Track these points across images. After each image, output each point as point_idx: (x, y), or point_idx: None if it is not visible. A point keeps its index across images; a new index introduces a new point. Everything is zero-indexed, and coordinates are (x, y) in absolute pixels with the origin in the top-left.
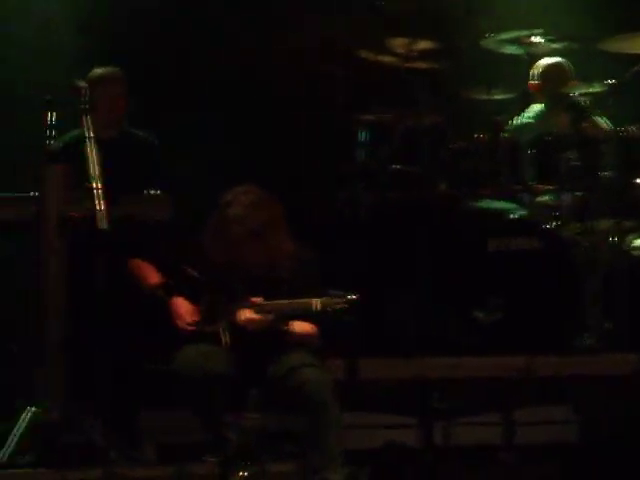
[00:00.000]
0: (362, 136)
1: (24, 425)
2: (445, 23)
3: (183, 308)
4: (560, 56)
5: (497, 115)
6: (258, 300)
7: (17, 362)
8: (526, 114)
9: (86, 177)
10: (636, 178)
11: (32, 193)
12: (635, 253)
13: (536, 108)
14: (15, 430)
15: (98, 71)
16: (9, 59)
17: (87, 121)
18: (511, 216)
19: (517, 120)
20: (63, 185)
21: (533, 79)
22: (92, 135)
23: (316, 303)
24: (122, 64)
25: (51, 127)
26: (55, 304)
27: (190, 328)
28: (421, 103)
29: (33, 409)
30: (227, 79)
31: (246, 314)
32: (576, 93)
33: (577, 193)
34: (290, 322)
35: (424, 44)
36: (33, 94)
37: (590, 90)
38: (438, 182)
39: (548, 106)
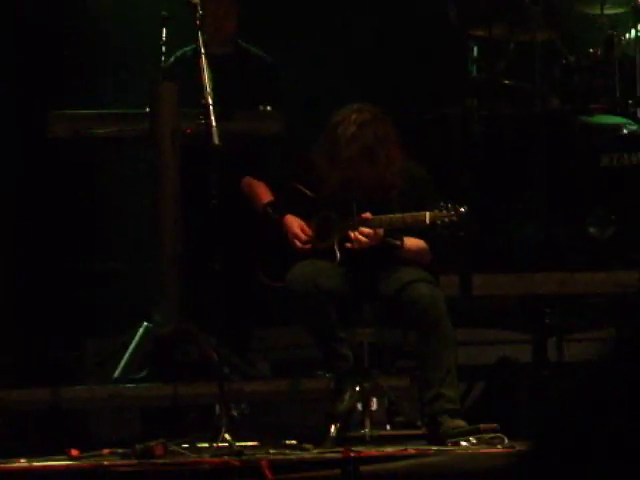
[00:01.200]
0: (475, 51)
1: (137, 340)
2: None
3: (296, 225)
4: None
5: (611, 29)
6: (368, 215)
7: (137, 279)
8: None
9: (199, 93)
10: None
11: (146, 109)
12: None
13: None
14: (130, 345)
15: None
16: None
17: (200, 37)
18: (625, 131)
19: (632, 33)
20: (176, 101)
21: None
22: (205, 51)
23: (426, 217)
24: None
25: (165, 43)
26: (169, 220)
27: (305, 246)
28: (534, 18)
29: (147, 324)
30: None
31: (357, 230)
32: None
33: None
34: (400, 236)
35: None
36: (149, 10)
37: None
38: (551, 98)
39: None
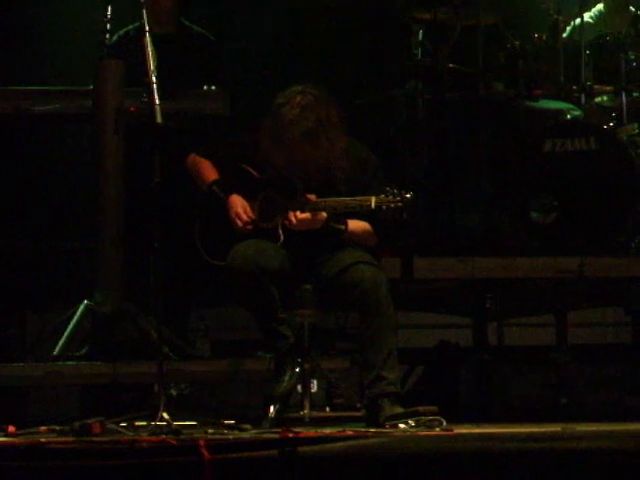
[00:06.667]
0: (420, 35)
1: (77, 318)
2: None
3: (240, 205)
4: None
5: (556, 15)
6: (313, 198)
7: (78, 257)
8: (587, 14)
9: (143, 71)
10: None
11: (90, 87)
12: None
13: (597, 8)
14: (70, 323)
15: None
16: None
17: (145, 15)
18: (568, 117)
19: (577, 20)
20: (120, 79)
21: None
22: (148, 29)
23: (371, 201)
24: None
25: (109, 21)
26: (111, 199)
27: (248, 227)
28: (479, 2)
29: (87, 303)
30: None
31: (301, 212)
32: None
33: (635, 94)
34: (344, 220)
35: None
36: None
37: None
38: (495, 82)
39: (609, 6)
